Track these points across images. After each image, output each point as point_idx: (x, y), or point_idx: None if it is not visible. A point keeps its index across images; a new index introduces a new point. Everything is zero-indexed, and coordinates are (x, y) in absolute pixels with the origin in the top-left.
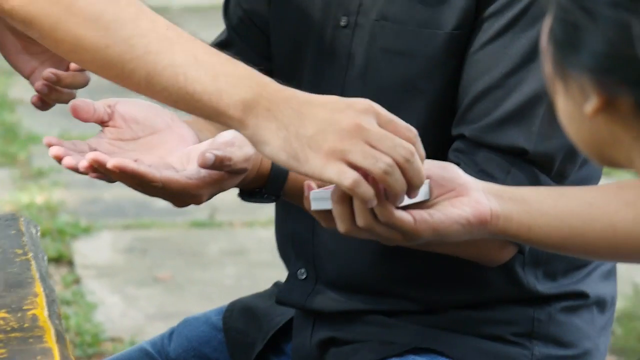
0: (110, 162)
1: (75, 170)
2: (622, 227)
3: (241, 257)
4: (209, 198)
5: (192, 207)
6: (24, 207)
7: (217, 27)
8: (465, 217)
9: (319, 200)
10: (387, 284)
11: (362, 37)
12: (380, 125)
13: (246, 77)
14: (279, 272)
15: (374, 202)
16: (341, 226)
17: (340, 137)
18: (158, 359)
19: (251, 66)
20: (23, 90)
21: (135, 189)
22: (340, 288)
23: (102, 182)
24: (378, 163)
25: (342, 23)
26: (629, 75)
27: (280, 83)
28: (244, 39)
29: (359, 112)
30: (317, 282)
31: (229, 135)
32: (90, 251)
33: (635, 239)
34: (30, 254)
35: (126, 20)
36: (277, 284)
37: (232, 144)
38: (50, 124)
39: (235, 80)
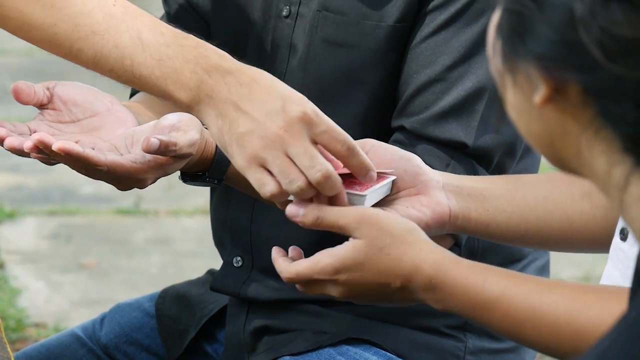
0: (56, 145)
1: (17, 152)
2: (578, 219)
3: (166, 246)
4: (153, 182)
5: (117, 194)
6: None
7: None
8: (425, 222)
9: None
10: None
11: (304, 28)
12: (314, 135)
13: (191, 61)
14: (204, 262)
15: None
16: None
17: (263, 145)
18: (89, 344)
19: (202, 39)
20: None
21: (79, 171)
22: (276, 276)
23: (27, 168)
24: (291, 184)
25: (284, 13)
26: (575, 60)
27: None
28: (183, 26)
29: (291, 119)
30: (252, 270)
31: (173, 118)
32: (14, 236)
33: (591, 230)
34: None
35: None
36: (210, 272)
37: (177, 129)
38: None
39: (179, 64)
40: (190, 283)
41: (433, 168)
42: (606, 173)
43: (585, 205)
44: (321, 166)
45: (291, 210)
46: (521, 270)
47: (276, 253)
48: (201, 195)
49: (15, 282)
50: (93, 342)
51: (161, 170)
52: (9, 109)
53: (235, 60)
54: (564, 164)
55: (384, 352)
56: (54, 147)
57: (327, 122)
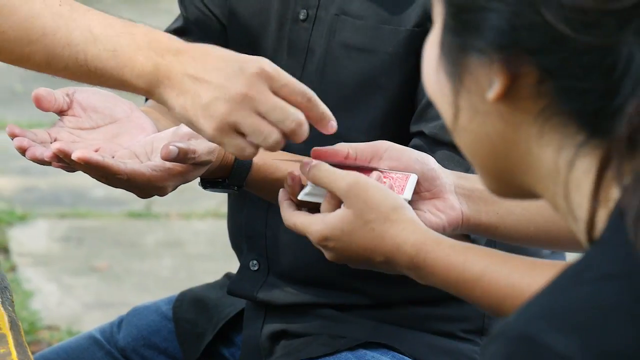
0: (75, 154)
1: (39, 161)
2: None
3: (178, 249)
4: (173, 189)
5: (128, 197)
6: None
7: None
8: (442, 226)
9: (310, 193)
10: (339, 278)
11: (321, 31)
12: (274, 90)
13: (144, 47)
14: (216, 264)
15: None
16: None
17: (230, 108)
18: (107, 346)
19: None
20: None
21: (99, 180)
22: (292, 280)
23: (38, 170)
24: (267, 139)
25: (301, 16)
26: (535, 42)
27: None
28: (200, 28)
29: (251, 77)
30: (269, 274)
31: None
32: (26, 239)
33: None
34: None
35: (18, 2)
36: (228, 275)
37: (196, 136)
38: None
39: (132, 52)
40: (208, 286)
41: None
42: (554, 164)
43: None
44: (294, 115)
45: (300, 168)
46: None
47: (282, 196)
48: (212, 198)
49: (28, 284)
50: (111, 345)
51: (181, 178)
52: (19, 112)
53: (185, 41)
54: (507, 178)
55: (401, 355)
56: (74, 157)
57: (285, 75)
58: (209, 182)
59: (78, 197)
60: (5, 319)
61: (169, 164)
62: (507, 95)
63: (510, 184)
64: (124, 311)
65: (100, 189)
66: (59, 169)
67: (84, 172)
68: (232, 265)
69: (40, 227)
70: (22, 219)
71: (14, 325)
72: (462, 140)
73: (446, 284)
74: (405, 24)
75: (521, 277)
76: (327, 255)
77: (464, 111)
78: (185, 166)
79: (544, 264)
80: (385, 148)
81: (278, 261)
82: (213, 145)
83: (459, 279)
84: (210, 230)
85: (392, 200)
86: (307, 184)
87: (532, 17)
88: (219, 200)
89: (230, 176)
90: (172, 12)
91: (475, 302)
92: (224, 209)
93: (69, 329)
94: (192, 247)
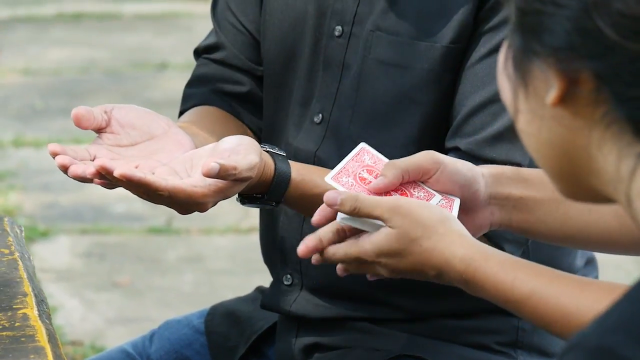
0: (117, 171)
1: (80, 178)
2: (618, 231)
3: (199, 264)
4: (213, 205)
5: (149, 213)
6: None
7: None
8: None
9: (348, 217)
10: (373, 292)
11: (357, 47)
12: None
13: None
14: (237, 280)
15: None
16: None
17: None
18: None
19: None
20: None
21: (140, 196)
22: (326, 294)
23: (59, 186)
24: None
25: (337, 33)
26: (590, 47)
27: (270, 88)
28: (233, 43)
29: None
30: (302, 288)
31: (232, 141)
32: (48, 255)
33: (631, 237)
34: (17, 254)
35: None
36: (259, 289)
37: (236, 152)
38: (4, 128)
39: None
40: (239, 300)
41: None
42: (616, 171)
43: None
44: None
45: (329, 197)
46: (567, 254)
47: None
48: (232, 214)
49: (51, 300)
50: (143, 359)
51: (222, 194)
52: (38, 128)
53: None
54: (575, 181)
55: None
56: (116, 174)
57: None
58: (247, 198)
59: (99, 213)
60: (43, 331)
61: (209, 181)
62: (566, 100)
63: (580, 187)
64: (146, 326)
65: (121, 205)
66: (80, 185)
67: (125, 189)
68: (253, 280)
69: (62, 243)
70: (44, 235)
71: (51, 337)
72: (527, 142)
73: (495, 299)
74: (440, 41)
75: (570, 300)
76: (383, 271)
77: (523, 114)
78: (225, 182)
79: (593, 284)
80: (442, 170)
81: (312, 275)
82: (253, 161)
83: (507, 297)
84: (231, 245)
85: (438, 214)
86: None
87: (586, 23)
88: (239, 216)
89: (268, 192)
90: (192, 29)
91: (525, 319)
92: (245, 224)
93: (93, 344)
94: (213, 262)
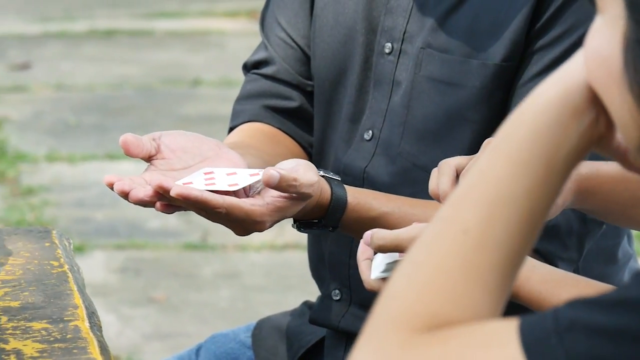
0: (174, 191)
1: (140, 203)
2: None
3: (235, 280)
4: (272, 225)
5: (184, 229)
6: (15, 225)
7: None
8: None
9: (383, 270)
10: None
11: (407, 65)
12: None
13: None
14: (273, 296)
15: None
16: None
17: None
18: None
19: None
20: (9, 108)
21: (199, 214)
22: None
23: (93, 202)
24: None
25: (387, 50)
26: None
27: (321, 104)
28: (284, 58)
29: None
30: (351, 304)
31: (290, 164)
32: (84, 270)
33: None
34: (67, 266)
35: None
36: (307, 303)
37: (295, 171)
38: (37, 143)
39: None
40: (286, 314)
41: None
42: None
43: None
44: None
45: (365, 236)
46: (617, 271)
47: (362, 253)
48: (267, 230)
49: None
50: None
51: (280, 213)
52: (72, 144)
53: None
54: None
55: None
56: (172, 193)
57: None
58: (303, 224)
59: (134, 229)
60: (95, 343)
61: (268, 199)
62: None
63: None
64: (182, 341)
65: (156, 221)
66: (114, 200)
67: (185, 208)
68: (288, 296)
69: (98, 259)
70: (79, 250)
71: (103, 350)
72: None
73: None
74: (492, 59)
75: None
76: None
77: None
78: (284, 200)
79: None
80: None
81: (360, 291)
82: (313, 179)
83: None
84: (267, 262)
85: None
86: (376, 255)
87: None
88: (274, 232)
89: (326, 216)
90: (223, 46)
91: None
92: (280, 241)
93: (130, 359)
94: (249, 278)
